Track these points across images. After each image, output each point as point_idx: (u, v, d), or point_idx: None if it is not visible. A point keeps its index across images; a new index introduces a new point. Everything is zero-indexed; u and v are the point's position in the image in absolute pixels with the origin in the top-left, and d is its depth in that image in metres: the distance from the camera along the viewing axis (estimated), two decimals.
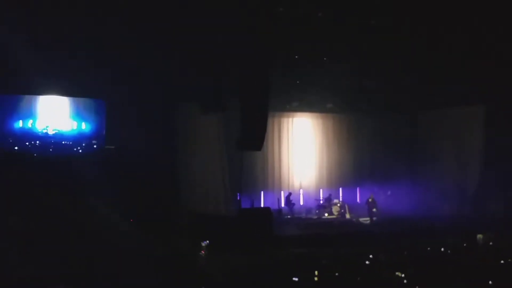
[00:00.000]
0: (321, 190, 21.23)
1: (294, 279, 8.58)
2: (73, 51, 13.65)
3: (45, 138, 15.78)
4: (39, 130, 15.75)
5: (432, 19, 12.46)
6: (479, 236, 13.30)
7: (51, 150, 15.79)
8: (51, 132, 15.85)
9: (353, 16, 12.44)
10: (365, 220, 18.66)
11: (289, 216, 19.26)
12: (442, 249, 11.58)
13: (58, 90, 15.60)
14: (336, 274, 9.02)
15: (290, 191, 20.42)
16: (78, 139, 16.12)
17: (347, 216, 19.48)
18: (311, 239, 15.66)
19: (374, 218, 18.60)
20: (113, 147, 16.28)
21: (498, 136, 18.22)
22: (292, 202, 19.94)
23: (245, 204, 17.50)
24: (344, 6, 11.82)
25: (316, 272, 9.12)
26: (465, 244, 12.48)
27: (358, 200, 20.98)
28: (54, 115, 15.88)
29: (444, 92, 17.97)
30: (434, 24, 12.79)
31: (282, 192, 20.47)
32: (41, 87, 15.02)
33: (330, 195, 20.64)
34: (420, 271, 8.83)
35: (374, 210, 18.88)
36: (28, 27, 12.43)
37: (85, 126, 16.24)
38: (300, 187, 21.03)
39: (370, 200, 19.08)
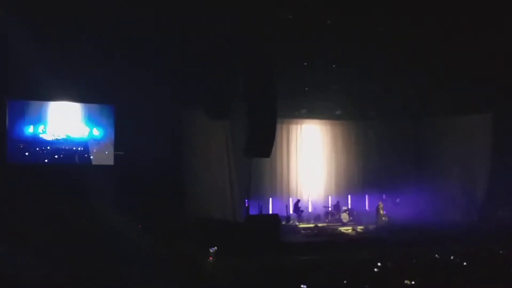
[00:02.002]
0: (329, 197, 21.20)
1: (302, 286, 8.56)
2: (82, 56, 13.76)
3: (55, 144, 15.85)
4: (49, 136, 15.82)
5: (441, 26, 12.48)
6: None
7: (61, 155, 15.88)
8: (61, 137, 15.92)
9: (361, 22, 12.48)
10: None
11: (297, 223, 19.26)
12: (452, 257, 11.51)
13: (68, 96, 15.70)
14: (344, 281, 8.99)
15: (298, 198, 20.42)
16: (88, 144, 16.18)
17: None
18: (319, 246, 15.62)
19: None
20: (122, 153, 16.35)
21: (505, 143, 18.19)
22: (301, 209, 19.93)
23: (253, 211, 17.48)
24: (352, 13, 11.85)
25: (324, 280, 9.10)
26: (473, 252, 12.39)
27: (367, 207, 20.90)
28: (64, 120, 15.96)
29: (452, 99, 17.95)
30: (442, 30, 12.80)
31: (290, 199, 20.45)
32: (51, 93, 15.14)
33: (338, 202, 20.62)
34: (429, 279, 8.78)
35: (384, 218, 18.76)
36: (38, 33, 12.54)
37: (96, 132, 16.30)
38: (309, 194, 21.00)
39: (380, 207, 18.97)
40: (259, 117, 15.04)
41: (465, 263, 10.90)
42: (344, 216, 19.73)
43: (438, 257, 11.83)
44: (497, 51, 13.66)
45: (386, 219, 18.79)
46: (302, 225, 18.97)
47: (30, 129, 15.61)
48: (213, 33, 12.83)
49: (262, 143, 15.41)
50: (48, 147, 15.73)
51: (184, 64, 14.40)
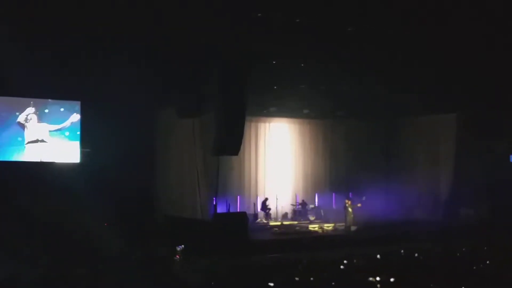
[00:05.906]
0: (297, 195, 21.32)
1: (269, 284, 8.59)
2: (48, 53, 13.51)
3: (19, 141, 15.52)
4: (15, 133, 15.48)
5: (409, 27, 12.66)
6: None
7: (26, 152, 15.57)
8: (27, 135, 15.60)
9: (331, 23, 12.55)
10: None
11: (264, 221, 19.31)
12: (416, 254, 11.70)
13: (34, 92, 15.40)
14: (311, 279, 9.06)
15: (266, 196, 20.46)
16: (54, 141, 15.90)
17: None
18: (287, 244, 15.72)
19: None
20: (88, 150, 16.14)
21: (470, 143, 18.59)
22: (268, 207, 19.99)
23: (221, 209, 17.46)
24: (322, 13, 11.92)
25: (291, 277, 9.15)
26: (438, 250, 12.63)
27: (333, 206, 21.07)
28: (29, 117, 15.63)
29: (418, 100, 18.23)
30: (410, 33, 13.00)
31: (258, 197, 20.49)
32: (16, 89, 14.82)
33: (303, 200, 20.75)
34: (393, 276, 8.91)
35: (351, 216, 18.90)
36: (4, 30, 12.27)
37: (61, 128, 16.03)
38: (276, 192, 21.05)
39: (347, 205, 19.12)
40: (227, 115, 15.02)
41: (429, 260, 11.11)
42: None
43: (403, 254, 12.03)
44: (461, 53, 13.92)
45: (353, 216, 18.95)
46: (270, 223, 19.04)
47: None
48: (182, 33, 12.75)
49: (231, 141, 15.40)
50: (12, 144, 15.40)
51: (152, 63, 14.27)
